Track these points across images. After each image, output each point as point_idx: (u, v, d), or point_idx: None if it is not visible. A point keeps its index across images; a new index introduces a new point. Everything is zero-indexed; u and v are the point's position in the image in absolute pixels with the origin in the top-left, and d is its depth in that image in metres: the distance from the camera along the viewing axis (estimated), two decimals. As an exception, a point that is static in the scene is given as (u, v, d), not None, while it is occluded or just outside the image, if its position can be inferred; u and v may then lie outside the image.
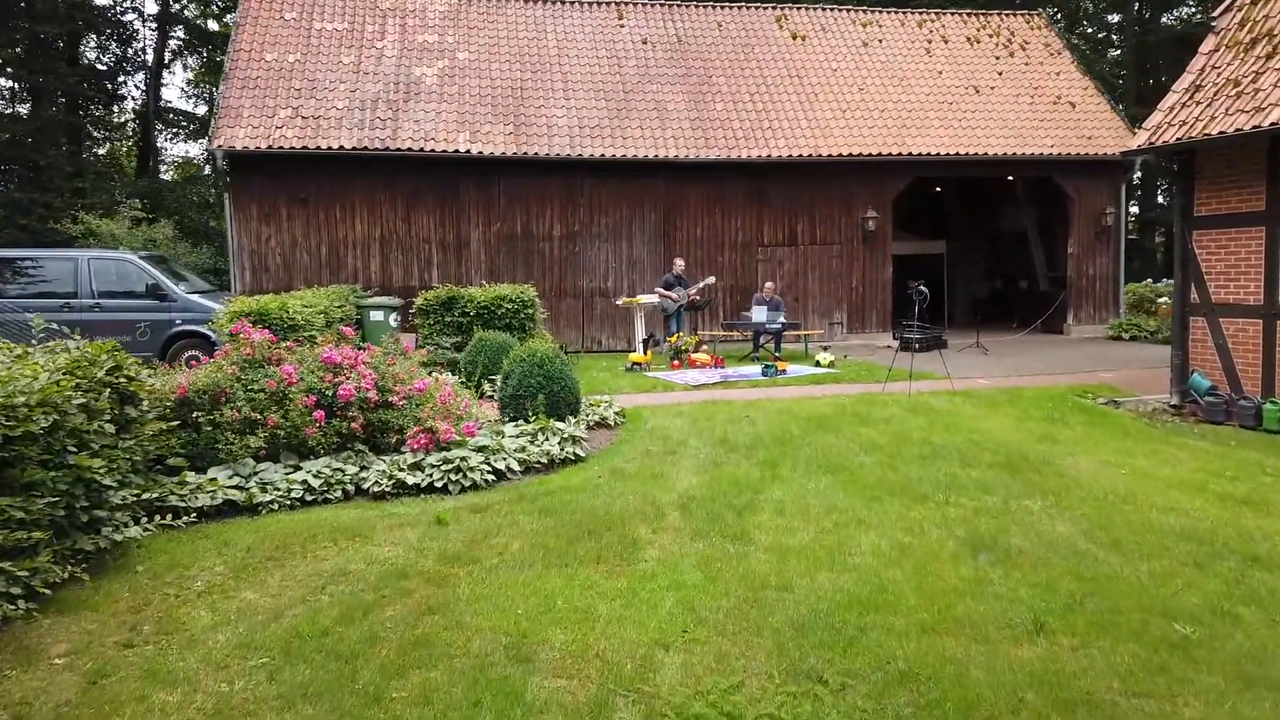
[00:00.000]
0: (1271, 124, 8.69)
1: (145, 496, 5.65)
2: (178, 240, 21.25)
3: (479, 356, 10.69)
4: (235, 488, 6.24)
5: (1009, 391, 10.91)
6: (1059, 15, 30.68)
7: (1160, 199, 33.18)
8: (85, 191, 24.85)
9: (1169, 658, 3.86)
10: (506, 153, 15.59)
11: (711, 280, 15.18)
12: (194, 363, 7.54)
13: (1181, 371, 10.33)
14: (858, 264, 17.43)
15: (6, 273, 13.11)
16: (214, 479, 6.27)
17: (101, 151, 30.92)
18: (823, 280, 17.35)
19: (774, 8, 19.92)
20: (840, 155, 16.71)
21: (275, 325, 9.81)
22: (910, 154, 16.99)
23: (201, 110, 32.96)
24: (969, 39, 20.10)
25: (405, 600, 4.52)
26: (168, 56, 31.79)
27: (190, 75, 34.83)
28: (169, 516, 5.65)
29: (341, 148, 14.97)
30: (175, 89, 53.65)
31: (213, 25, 32.08)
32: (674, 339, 14.00)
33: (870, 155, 16.83)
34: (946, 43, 19.90)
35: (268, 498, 6.16)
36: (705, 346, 14.76)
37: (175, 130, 32.69)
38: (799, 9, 20.07)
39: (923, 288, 12.37)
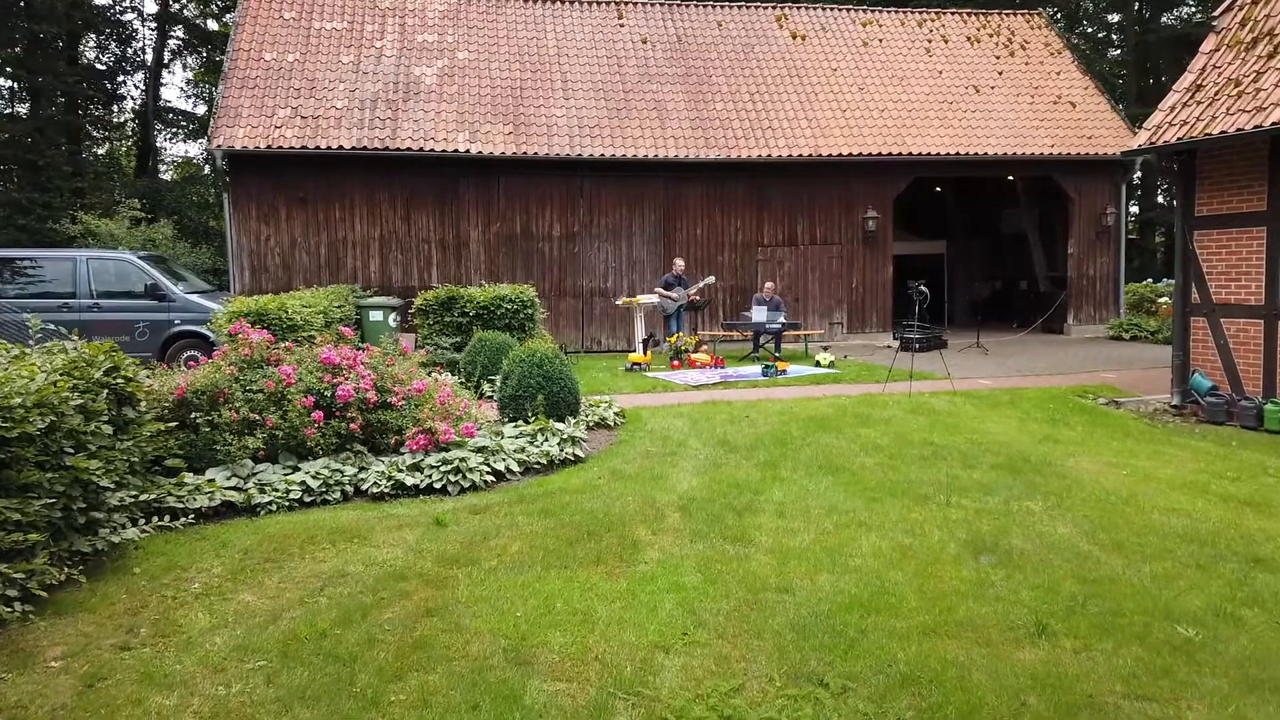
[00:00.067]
0: (1273, 124, 8.67)
1: (143, 498, 5.63)
2: (177, 240, 21.23)
3: (478, 357, 10.67)
4: (233, 489, 6.22)
5: (1010, 392, 10.88)
6: (1059, 15, 30.66)
7: (1160, 199, 33.17)
8: (84, 191, 24.85)
9: (1172, 661, 3.84)
10: (506, 152, 15.57)
11: (711, 280, 15.16)
12: (192, 363, 7.51)
13: (1182, 372, 10.31)
14: (858, 264, 17.41)
15: (5, 273, 13.08)
16: (212, 480, 6.25)
17: (101, 151, 30.91)
18: (823, 280, 17.33)
19: (774, 7, 19.90)
20: (840, 155, 16.69)
21: (274, 325, 9.79)
22: (910, 154, 16.97)
23: (201, 110, 32.96)
24: (969, 39, 20.08)
25: (404, 602, 4.50)
26: (167, 56, 31.78)
27: (190, 75, 34.87)
28: (167, 518, 5.63)
29: (341, 147, 14.95)
30: (175, 89, 53.75)
31: (212, 25, 32.07)
32: (674, 339, 13.98)
33: (870, 155, 16.81)
34: (947, 42, 19.88)
35: (266, 499, 6.14)
36: (705, 347, 14.73)
37: (175, 130, 32.68)
38: (799, 8, 20.04)
39: (923, 288, 12.35)
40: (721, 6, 19.64)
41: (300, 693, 3.60)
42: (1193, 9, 31.66)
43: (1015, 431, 8.58)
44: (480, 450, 7.11)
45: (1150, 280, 21.49)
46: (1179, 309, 10.49)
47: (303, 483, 6.35)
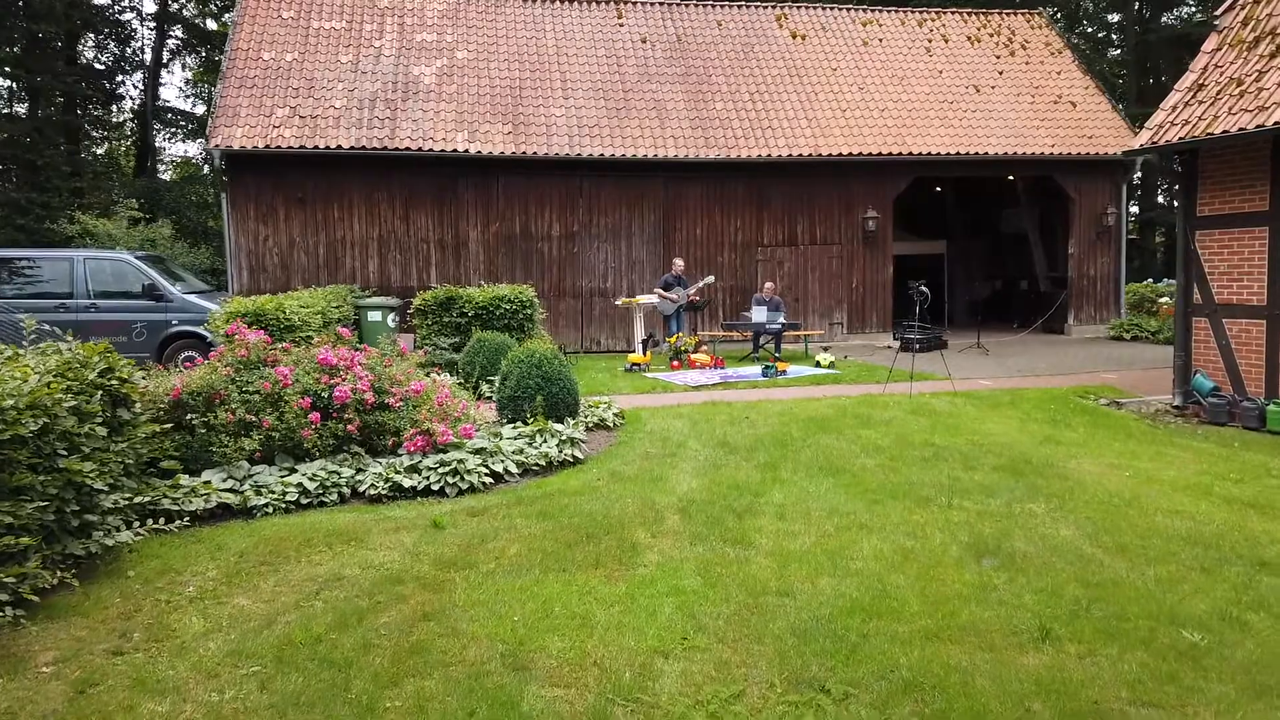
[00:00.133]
0: (1275, 124, 8.62)
1: (138, 500, 5.58)
2: (175, 240, 21.17)
3: (477, 357, 10.63)
4: (229, 491, 6.18)
5: (1011, 392, 10.84)
6: (1059, 15, 30.61)
7: (1160, 199, 33.14)
8: (83, 191, 24.80)
9: (1178, 666, 3.79)
10: (505, 152, 15.52)
11: (711, 279, 15.11)
12: (189, 364, 7.46)
13: (1184, 372, 10.26)
14: (858, 264, 17.36)
15: (2, 273, 13.03)
16: (208, 482, 6.20)
17: (100, 151, 30.86)
18: (823, 280, 17.28)
19: (774, 7, 19.86)
20: (840, 155, 16.64)
21: (271, 326, 9.74)
22: (911, 154, 16.92)
23: (200, 110, 32.92)
24: (969, 38, 20.03)
25: (400, 606, 4.45)
26: (166, 56, 31.75)
27: (189, 75, 34.85)
28: (162, 520, 5.58)
29: (339, 147, 14.90)
30: (174, 88, 53.64)
31: (211, 25, 32.03)
32: (673, 339, 13.93)
33: (871, 155, 16.76)
34: (947, 42, 19.83)
35: (262, 501, 6.09)
36: (705, 347, 14.69)
37: (173, 130, 32.63)
38: (799, 8, 20.00)
39: (924, 288, 12.30)
40: (721, 6, 19.60)
41: (294, 699, 3.55)
42: (1193, 9, 31.64)
43: (1016, 433, 8.54)
44: (478, 452, 7.06)
45: (1151, 280, 21.45)
46: (1181, 309, 10.44)
47: (299, 485, 6.30)
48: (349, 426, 6.86)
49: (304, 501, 6.22)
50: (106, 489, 5.12)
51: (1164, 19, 32.18)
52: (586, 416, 8.84)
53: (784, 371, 12.84)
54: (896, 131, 17.30)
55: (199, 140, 29.99)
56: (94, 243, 18.21)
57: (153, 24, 30.82)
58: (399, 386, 7.32)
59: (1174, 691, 3.59)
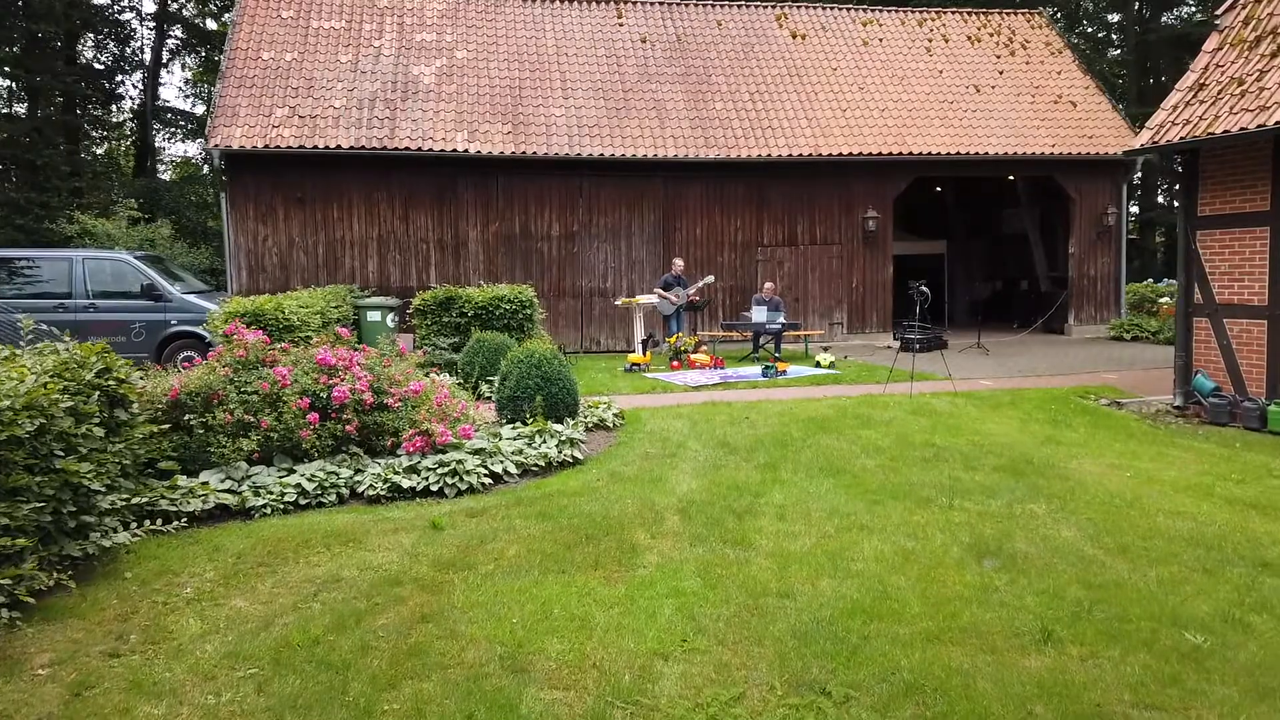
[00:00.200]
0: (1276, 123, 8.59)
1: (135, 501, 5.55)
2: (175, 240, 21.15)
3: (476, 357, 10.60)
4: (227, 491, 6.15)
5: (1011, 393, 10.82)
6: (1059, 15, 30.59)
7: (1160, 199, 33.12)
8: (83, 191, 24.77)
9: (1180, 668, 3.77)
10: (505, 152, 15.49)
11: (710, 279, 15.09)
12: (187, 364, 7.43)
13: (1185, 372, 10.24)
14: (858, 264, 17.33)
15: (1, 273, 13.01)
16: (206, 483, 6.18)
17: (99, 151, 30.83)
18: (823, 280, 17.26)
19: (774, 6, 19.83)
20: (840, 155, 16.62)
21: (270, 326, 9.72)
22: (911, 153, 16.90)
23: (200, 110, 32.89)
24: (969, 38, 20.01)
25: (399, 608, 4.43)
26: (165, 56, 31.72)
27: (188, 75, 34.82)
28: (159, 521, 5.55)
29: (339, 147, 14.87)
30: (173, 88, 53.60)
31: (211, 24, 32.00)
32: (673, 339, 13.91)
33: (871, 155, 16.74)
34: (947, 42, 19.81)
35: (260, 502, 6.06)
36: (705, 347, 14.66)
37: (173, 130, 32.61)
38: (799, 8, 19.98)
39: (924, 288, 12.27)
40: (721, 6, 19.57)
41: (291, 702, 3.53)
42: (1193, 9, 31.62)
43: (1017, 433, 8.51)
44: (478, 452, 7.04)
45: (1151, 280, 21.44)
46: (1182, 309, 10.42)
47: (298, 485, 6.28)
48: (347, 427, 6.84)
49: (302, 502, 6.20)
50: (104, 490, 5.10)
51: (1164, 19, 32.17)
52: (586, 417, 8.82)
53: (784, 371, 12.82)
54: (897, 131, 17.28)
55: (199, 140, 29.95)
56: (93, 243, 18.18)
57: (152, 24, 30.81)
58: (398, 387, 7.30)
59: (1177, 694, 3.56)
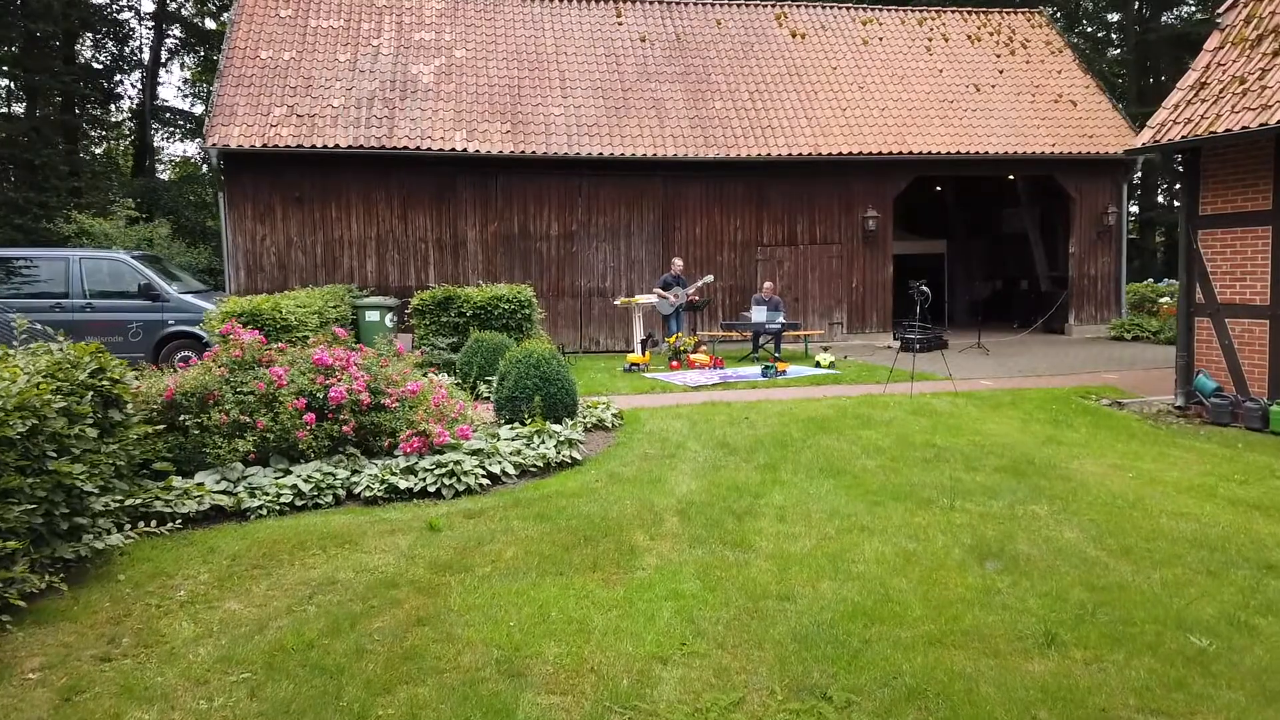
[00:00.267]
0: (1278, 122, 8.55)
1: (129, 502, 5.49)
2: (173, 240, 21.10)
3: (475, 357, 10.56)
4: (223, 493, 6.10)
5: (1012, 393, 10.77)
6: (1058, 15, 30.55)
7: (1160, 198, 33.09)
8: (81, 191, 24.71)
9: (1186, 672, 3.72)
10: (504, 151, 15.44)
11: (710, 279, 15.04)
12: (183, 364, 7.38)
13: (1186, 372, 10.19)
14: (858, 264, 17.29)
15: (-2, 272, 12.97)
16: (201, 484, 6.13)
17: (98, 151, 30.77)
18: (823, 280, 17.21)
19: (773, 5, 19.78)
20: (840, 154, 16.57)
21: (267, 326, 9.67)
22: (911, 153, 16.85)
23: (199, 109, 32.80)
24: (969, 37, 19.97)
25: (394, 611, 4.37)
26: (164, 55, 31.66)
27: (187, 74, 34.75)
28: (154, 523, 5.49)
29: (337, 146, 14.82)
30: (172, 88, 53.55)
31: (210, 24, 31.93)
32: (672, 339, 13.86)
33: (871, 154, 16.69)
34: (947, 41, 19.76)
35: (256, 503, 6.01)
36: (704, 347, 14.61)
37: (172, 130, 32.53)
38: (799, 7, 19.93)
39: (924, 288, 12.22)
40: (720, 5, 19.53)
41: (285, 707, 3.48)
42: (1193, 8, 31.58)
43: (1018, 433, 8.47)
44: (475, 453, 6.99)
45: (1151, 280, 21.39)
46: (1183, 309, 10.37)
47: (294, 486, 6.23)
48: (344, 427, 6.79)
49: (298, 504, 6.15)
50: (97, 491, 5.05)
51: (1164, 18, 32.12)
52: (585, 417, 8.77)
53: (784, 371, 12.77)
54: (897, 131, 17.23)
55: (197, 140, 29.89)
56: (90, 242, 18.13)
57: (151, 23, 30.75)
58: (395, 387, 7.25)
59: (1182, 699, 3.52)
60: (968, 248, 22.63)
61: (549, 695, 3.58)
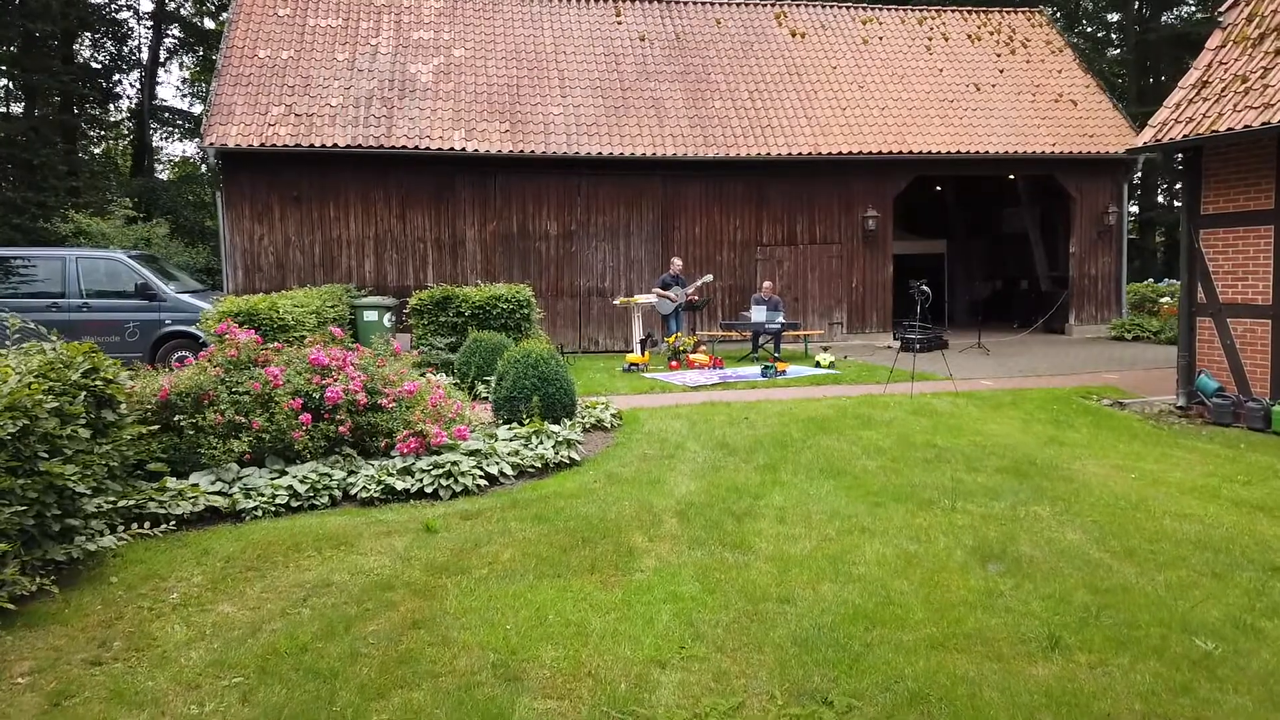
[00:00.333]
0: (1282, 120, 8.50)
1: (122, 504, 5.44)
2: (171, 239, 21.04)
3: (473, 357, 10.50)
4: (218, 494, 6.05)
5: (1013, 393, 10.72)
6: (1058, 15, 30.50)
7: (1160, 198, 33.05)
8: (80, 191, 24.66)
9: (1192, 676, 3.67)
10: (503, 151, 15.39)
11: (709, 278, 14.98)
12: (178, 364, 7.33)
13: (1188, 372, 10.14)
14: (858, 264, 17.24)
15: (-6, 272, 12.92)
16: (196, 485, 6.07)
17: (97, 151, 30.70)
18: (822, 280, 17.16)
19: (773, 5, 19.73)
20: (840, 154, 16.52)
21: (264, 325, 9.62)
22: (911, 152, 16.80)
23: (197, 109, 32.73)
24: (970, 36, 19.92)
25: (390, 614, 4.32)
26: (163, 55, 31.60)
27: (186, 74, 34.69)
28: (147, 524, 5.43)
29: (335, 146, 14.77)
30: (171, 87, 53.47)
31: (209, 24, 31.87)
32: (672, 339, 13.81)
33: (871, 154, 16.64)
34: (947, 40, 19.72)
35: (251, 504, 5.96)
36: (704, 347, 14.56)
37: (171, 129, 32.49)
38: (798, 6, 19.87)
39: (925, 287, 12.17)
40: (720, 4, 19.46)
41: (277, 712, 3.42)
42: (1193, 8, 31.54)
43: (1019, 433, 8.41)
44: (473, 453, 6.93)
45: (1151, 280, 21.34)
46: (1184, 309, 10.32)
47: (290, 487, 6.18)
48: (341, 428, 6.74)
49: (294, 505, 6.09)
50: (89, 492, 5.00)
51: (1164, 18, 32.07)
52: (583, 417, 8.72)
53: (783, 371, 12.72)
54: (897, 130, 17.18)
55: (196, 139, 29.83)
56: (88, 242, 18.07)
57: (150, 23, 30.70)
58: (392, 387, 7.19)
59: (1189, 704, 3.46)
60: (968, 247, 22.58)
61: (546, 700, 3.53)
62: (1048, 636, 4.00)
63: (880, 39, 19.39)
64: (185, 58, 33.11)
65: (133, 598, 4.54)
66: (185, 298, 13.08)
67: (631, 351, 14.25)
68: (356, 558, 5.09)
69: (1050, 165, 17.70)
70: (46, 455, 4.68)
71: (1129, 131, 17.49)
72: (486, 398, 9.26)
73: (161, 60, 31.50)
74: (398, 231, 15.66)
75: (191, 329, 12.50)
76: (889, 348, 16.00)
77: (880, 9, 20.37)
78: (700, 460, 7.36)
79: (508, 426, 7.96)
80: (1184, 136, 9.72)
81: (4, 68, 24.10)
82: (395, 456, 6.84)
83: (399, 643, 4.00)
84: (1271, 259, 9.22)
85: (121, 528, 5.25)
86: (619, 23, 18.47)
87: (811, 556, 5.06)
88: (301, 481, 6.26)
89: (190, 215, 25.95)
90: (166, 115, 31.87)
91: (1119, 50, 33.53)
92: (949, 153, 16.93)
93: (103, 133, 31.31)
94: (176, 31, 31.86)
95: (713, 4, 19.42)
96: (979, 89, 18.51)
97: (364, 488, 6.33)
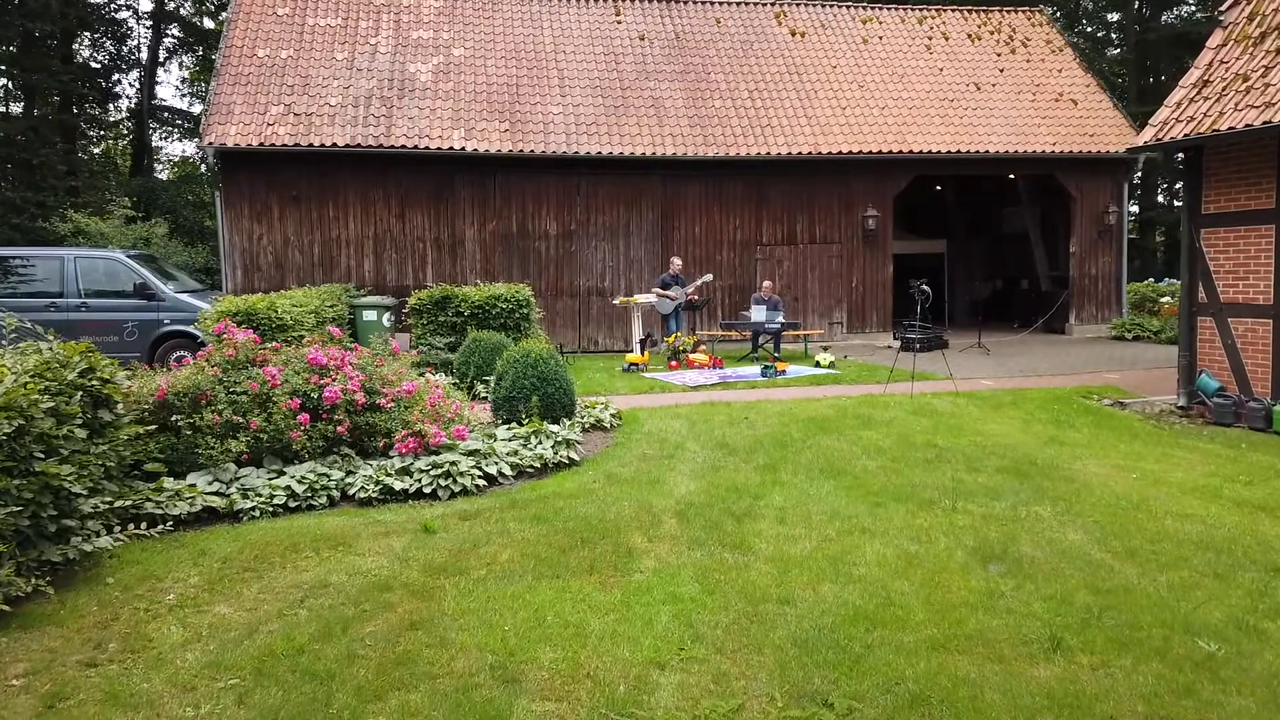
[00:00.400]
0: (1283, 119, 8.47)
1: (119, 504, 5.40)
2: (170, 239, 21.02)
3: (472, 357, 10.47)
4: (215, 494, 6.02)
5: (1013, 393, 10.69)
6: (1058, 14, 30.47)
7: (1160, 198, 33.02)
8: (79, 190, 24.63)
9: (1195, 678, 3.64)
10: (502, 150, 15.36)
11: (709, 277, 14.95)
12: (176, 364, 7.30)
13: (1189, 372, 10.12)
14: (858, 263, 17.21)
15: (-9, 271, 12.89)
16: (193, 485, 6.04)
17: (96, 150, 30.67)
18: (822, 280, 17.13)
19: (773, 4, 19.69)
20: (840, 153, 16.49)
21: (263, 325, 9.59)
22: (911, 152, 16.77)
23: (197, 109, 32.71)
24: (970, 36, 19.89)
25: (387, 615, 4.29)
26: (162, 54, 31.57)
27: (185, 74, 34.65)
28: (144, 525, 5.40)
29: (334, 145, 14.73)
30: (170, 87, 53.42)
31: (208, 23, 31.84)
32: (672, 339, 13.78)
33: (870, 153, 16.61)
34: (947, 39, 19.69)
35: (249, 504, 5.93)
36: (703, 347, 14.54)
37: (170, 129, 32.46)
38: (798, 5, 19.84)
39: (925, 287, 12.14)
40: (720, 3, 19.43)
41: (273, 714, 3.40)
42: (1193, 8, 31.51)
43: (1020, 433, 8.39)
44: (472, 453, 6.91)
45: (1151, 280, 21.31)
46: (1185, 308, 10.29)
47: (287, 487, 6.15)
48: (339, 428, 6.71)
49: (292, 505, 6.07)
50: (86, 493, 4.97)
51: (1164, 18, 32.04)
52: (583, 417, 8.69)
53: (783, 371, 12.69)
54: (897, 130, 17.15)
55: (196, 139, 29.80)
56: (86, 241, 18.04)
57: (149, 22, 30.66)
58: (390, 387, 7.17)
59: (1192, 706, 3.44)
60: (968, 247, 22.55)
61: (544, 702, 3.50)
62: (1049, 638, 3.97)
63: (880, 38, 19.36)
64: (185, 57, 33.11)
65: (129, 599, 4.51)
66: (184, 297, 13.05)
67: (631, 351, 14.22)
68: (354, 558, 5.06)
69: (1050, 165, 17.67)
70: (42, 455, 4.66)
71: (1129, 131, 17.47)
72: (486, 398, 9.23)
73: (161, 60, 31.49)
74: (397, 231, 15.63)
75: (190, 329, 12.47)
76: (889, 347, 15.98)
77: (880, 8, 20.34)
78: (700, 460, 7.34)
79: (507, 426, 7.94)
80: (1185, 135, 9.69)
81: (3, 67, 24.06)
82: (394, 457, 6.81)
83: (396, 644, 3.98)
84: (1273, 258, 9.20)
85: (118, 528, 5.23)
86: (619, 22, 18.44)
87: (811, 557, 5.03)
88: (299, 482, 6.23)
89: (189, 215, 25.92)
90: (166, 115, 31.85)
91: (1119, 50, 33.50)
92: (949, 152, 16.90)
93: (102, 132, 31.28)
94: (176, 31, 31.84)
95: (712, 3, 19.38)
96: (979, 88, 18.49)
97: (362, 488, 6.30)
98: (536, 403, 8.09)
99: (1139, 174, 20.18)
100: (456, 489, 6.42)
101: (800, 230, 16.99)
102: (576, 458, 7.38)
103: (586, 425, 8.56)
